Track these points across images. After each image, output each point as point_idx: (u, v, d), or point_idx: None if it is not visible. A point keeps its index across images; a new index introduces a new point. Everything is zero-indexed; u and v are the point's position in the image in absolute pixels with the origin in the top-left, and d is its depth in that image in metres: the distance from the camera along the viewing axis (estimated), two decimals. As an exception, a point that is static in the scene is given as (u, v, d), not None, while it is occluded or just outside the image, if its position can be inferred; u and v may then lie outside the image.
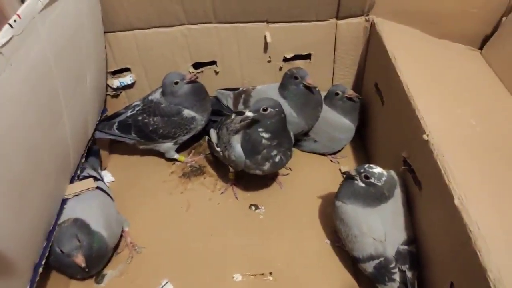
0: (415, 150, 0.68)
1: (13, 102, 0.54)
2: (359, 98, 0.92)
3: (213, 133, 0.91)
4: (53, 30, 0.64)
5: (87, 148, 0.85)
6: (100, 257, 0.73)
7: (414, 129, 0.66)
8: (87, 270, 0.69)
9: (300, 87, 0.86)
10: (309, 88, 0.86)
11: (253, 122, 0.76)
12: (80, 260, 0.67)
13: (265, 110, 0.74)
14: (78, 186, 0.77)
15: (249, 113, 0.75)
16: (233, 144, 0.81)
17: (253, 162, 0.80)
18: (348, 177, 0.73)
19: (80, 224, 0.70)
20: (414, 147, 0.68)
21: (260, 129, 0.76)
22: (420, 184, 0.66)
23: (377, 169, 0.70)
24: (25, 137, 0.58)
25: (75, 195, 0.75)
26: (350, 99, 0.91)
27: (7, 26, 0.52)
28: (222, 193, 0.91)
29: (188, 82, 0.89)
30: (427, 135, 0.62)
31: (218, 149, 0.86)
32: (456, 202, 0.52)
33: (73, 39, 0.71)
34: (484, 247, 0.47)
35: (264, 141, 0.77)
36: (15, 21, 0.53)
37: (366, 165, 0.71)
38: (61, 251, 0.67)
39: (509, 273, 0.45)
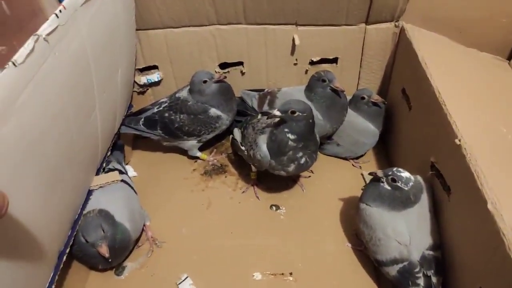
0: (445, 155, 0.68)
1: (55, 91, 0.55)
2: (384, 103, 0.92)
3: (237, 132, 0.91)
4: (92, 25, 0.65)
5: (113, 141, 0.86)
6: (122, 249, 0.74)
7: (444, 134, 0.65)
8: (109, 260, 0.70)
9: (327, 90, 0.87)
10: (336, 92, 0.87)
11: (280, 122, 0.77)
12: (104, 250, 0.67)
13: (293, 112, 0.75)
14: (104, 178, 0.78)
15: (277, 112, 0.75)
16: (259, 144, 0.81)
17: (278, 163, 0.80)
18: (374, 179, 0.73)
19: (105, 215, 0.71)
20: (444, 152, 0.68)
21: (286, 130, 0.77)
22: (450, 189, 0.66)
23: (405, 174, 0.70)
24: (64, 129, 0.59)
25: (100, 187, 0.76)
26: (375, 104, 0.90)
27: (53, 15, 0.54)
28: (243, 192, 0.91)
29: (217, 81, 0.90)
30: (459, 140, 0.61)
31: (243, 147, 0.86)
32: (489, 206, 0.52)
33: (109, 35, 0.73)
34: (519, 252, 0.47)
35: (290, 142, 0.77)
36: (60, 11, 0.55)
37: (395, 169, 0.71)
38: (86, 240, 0.68)
39: (545, 279, 0.44)
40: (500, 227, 0.49)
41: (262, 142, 0.81)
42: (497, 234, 0.50)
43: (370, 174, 0.74)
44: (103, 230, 0.69)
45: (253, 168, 0.90)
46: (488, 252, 0.53)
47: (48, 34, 0.52)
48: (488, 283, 0.54)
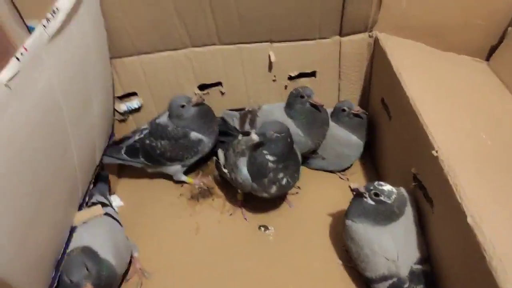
0: (424, 167, 0.67)
1: (20, 135, 0.54)
2: (366, 114, 0.91)
3: (221, 153, 0.90)
4: (59, 60, 0.65)
5: (96, 174, 0.85)
6: (109, 285, 0.72)
7: (422, 144, 0.65)
8: None
9: (306, 106, 0.86)
10: (316, 107, 0.86)
11: (258, 145, 0.76)
12: None
13: (270, 134, 0.74)
14: (86, 213, 0.77)
15: (254, 136, 0.74)
16: (239, 167, 0.80)
17: (259, 185, 0.79)
18: (357, 195, 0.72)
19: (89, 252, 0.69)
20: (423, 163, 0.67)
21: (265, 152, 0.76)
22: (432, 201, 0.65)
23: (387, 187, 0.69)
24: (32, 169, 0.58)
25: (83, 223, 0.75)
26: (357, 115, 0.90)
27: (14, 59, 0.53)
28: (231, 214, 0.90)
29: (195, 105, 0.89)
30: (436, 151, 0.61)
31: (225, 170, 0.86)
32: (469, 220, 0.51)
33: (79, 67, 0.72)
34: (500, 267, 0.46)
35: (270, 164, 0.76)
36: (22, 54, 0.54)
37: (376, 182, 0.70)
38: (70, 280, 0.67)
39: (528, 294, 0.43)
40: (480, 241, 0.49)
41: (243, 165, 0.80)
42: (478, 248, 0.49)
43: (352, 191, 0.73)
44: (87, 269, 0.67)
45: (239, 190, 0.89)
46: (472, 266, 0.52)
47: (9, 80, 0.51)
48: (475, 299, 0.53)
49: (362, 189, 0.71)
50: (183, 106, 0.88)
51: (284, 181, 0.78)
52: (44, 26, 0.61)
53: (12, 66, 0.52)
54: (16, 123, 0.52)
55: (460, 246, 0.55)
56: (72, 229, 0.74)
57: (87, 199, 0.81)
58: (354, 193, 0.73)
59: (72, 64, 0.70)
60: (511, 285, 0.44)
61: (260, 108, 0.96)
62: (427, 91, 0.74)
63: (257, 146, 0.76)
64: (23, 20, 0.84)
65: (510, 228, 0.51)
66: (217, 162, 0.90)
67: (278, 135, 0.74)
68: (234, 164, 0.82)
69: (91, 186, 0.83)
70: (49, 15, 0.63)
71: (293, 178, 0.80)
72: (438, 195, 0.63)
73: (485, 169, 0.60)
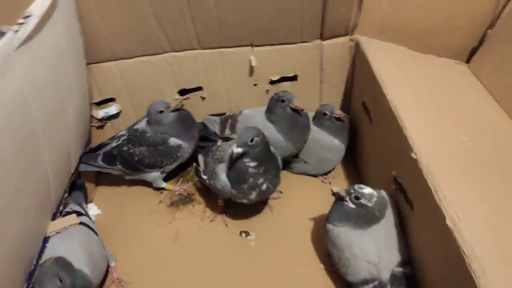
0: (404, 169, 0.67)
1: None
2: (348, 118, 0.91)
3: (200, 159, 0.89)
4: (30, 67, 0.62)
5: (71, 182, 0.83)
6: None
7: (402, 147, 0.64)
8: None
9: (287, 110, 0.85)
10: (297, 111, 0.85)
11: (241, 155, 0.74)
12: None
13: (252, 141, 0.73)
14: (61, 222, 0.74)
15: (238, 149, 0.72)
16: (218, 173, 0.79)
17: (239, 191, 0.78)
18: (338, 199, 0.71)
19: (62, 263, 0.67)
20: (403, 166, 0.67)
21: (246, 160, 0.75)
22: (412, 204, 0.64)
23: (367, 190, 0.69)
24: (4, 178, 0.56)
25: (57, 233, 0.73)
26: (338, 119, 0.89)
27: None
28: (211, 221, 0.88)
29: (174, 110, 0.88)
30: (416, 154, 0.60)
31: (205, 176, 0.84)
32: (448, 222, 0.50)
33: (52, 74, 0.70)
34: (479, 269, 0.45)
35: (250, 169, 0.75)
36: None
37: (356, 186, 0.69)
38: None
39: (507, 296, 0.43)
40: (459, 244, 0.48)
41: (221, 171, 0.78)
42: (458, 251, 0.48)
43: (333, 195, 0.72)
44: (60, 280, 0.65)
45: (220, 196, 0.87)
46: (452, 268, 0.51)
47: None
48: (456, 302, 0.52)
49: (342, 193, 0.70)
50: (161, 112, 0.87)
51: (264, 187, 0.77)
52: (15, 31, 0.59)
53: None
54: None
55: (440, 248, 0.55)
56: (46, 239, 0.71)
57: (61, 208, 0.78)
58: (335, 197, 0.72)
59: (44, 69, 0.68)
60: (491, 286, 0.44)
61: (241, 113, 0.94)
62: (408, 94, 0.74)
63: (240, 157, 0.74)
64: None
65: (489, 230, 0.51)
66: (197, 168, 0.89)
67: (258, 138, 0.73)
68: (212, 170, 0.80)
69: (66, 194, 0.81)
70: (21, 20, 0.61)
71: (273, 183, 0.79)
72: (418, 197, 0.62)
73: (465, 171, 0.60)
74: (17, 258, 0.62)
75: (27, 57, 0.62)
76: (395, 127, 0.67)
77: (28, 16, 0.62)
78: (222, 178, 0.78)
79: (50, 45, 0.69)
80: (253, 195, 0.78)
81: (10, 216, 0.58)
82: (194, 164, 0.90)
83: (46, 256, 0.69)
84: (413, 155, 0.60)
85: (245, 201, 0.80)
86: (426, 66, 0.88)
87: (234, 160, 0.75)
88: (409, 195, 0.65)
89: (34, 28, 0.62)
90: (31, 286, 0.65)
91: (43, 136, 0.66)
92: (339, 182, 0.95)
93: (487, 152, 0.64)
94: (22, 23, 0.61)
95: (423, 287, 0.64)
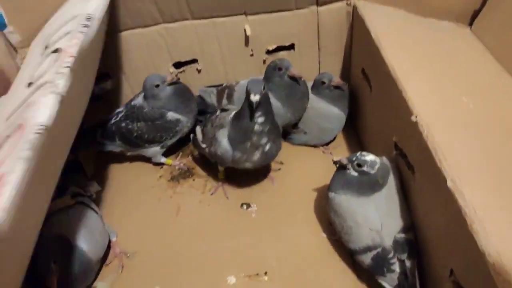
0: (405, 134, 0.65)
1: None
2: (346, 85, 0.89)
3: (198, 130, 0.88)
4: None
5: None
6: (83, 273, 0.70)
7: (402, 112, 0.63)
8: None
9: (285, 79, 0.83)
10: (294, 79, 0.83)
11: (258, 105, 0.71)
12: (53, 283, 0.63)
13: (264, 88, 0.71)
14: (58, 203, 0.74)
15: (256, 97, 0.69)
16: (218, 139, 0.78)
17: (242, 152, 0.76)
18: (340, 167, 0.70)
19: (60, 240, 0.67)
20: (404, 131, 0.65)
21: (257, 113, 0.72)
22: (413, 168, 0.63)
23: (370, 157, 0.67)
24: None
25: (56, 211, 0.72)
26: (337, 87, 0.87)
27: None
28: (212, 194, 0.88)
29: (170, 84, 0.86)
30: (416, 117, 0.59)
31: (203, 145, 0.83)
32: (449, 184, 0.49)
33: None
34: (482, 230, 0.44)
35: (256, 126, 0.73)
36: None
37: (358, 153, 0.68)
38: (41, 268, 0.64)
39: (510, 256, 0.42)
40: (461, 205, 0.47)
41: (222, 137, 0.77)
42: (459, 213, 0.47)
43: (334, 163, 0.71)
44: (57, 257, 0.65)
45: (220, 168, 0.87)
46: (455, 232, 0.51)
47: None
48: (458, 265, 0.52)
49: (344, 161, 0.69)
50: (157, 86, 0.85)
51: (267, 147, 0.76)
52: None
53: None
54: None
55: (442, 212, 0.54)
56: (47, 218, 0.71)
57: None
58: (337, 165, 0.71)
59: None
60: (493, 248, 0.43)
61: (238, 83, 0.93)
62: (407, 58, 0.71)
63: (257, 106, 0.71)
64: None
65: (491, 191, 0.50)
66: (194, 138, 0.88)
67: (266, 89, 0.72)
68: (213, 137, 0.79)
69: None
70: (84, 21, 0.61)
71: (277, 144, 0.78)
72: (419, 161, 0.61)
73: (466, 133, 0.58)
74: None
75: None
76: (395, 91, 0.65)
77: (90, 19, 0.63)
78: (223, 143, 0.77)
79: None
80: (257, 156, 0.76)
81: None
82: (192, 135, 0.89)
83: (44, 234, 0.69)
84: (413, 118, 0.59)
85: (248, 164, 0.78)
86: (427, 29, 0.85)
87: (255, 108, 0.71)
88: (410, 160, 0.64)
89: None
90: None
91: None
92: (340, 153, 0.94)
93: (489, 114, 0.62)
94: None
95: (426, 252, 0.63)
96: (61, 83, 0.51)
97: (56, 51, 0.58)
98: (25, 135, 0.44)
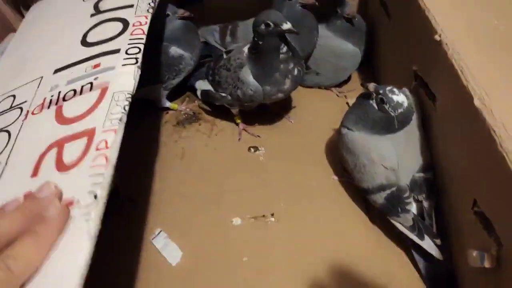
0: (427, 59, 0.59)
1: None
2: (357, 19, 0.80)
3: (202, 83, 0.83)
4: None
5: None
6: None
7: (425, 33, 0.56)
8: None
9: (296, 8, 0.77)
10: (306, 7, 0.77)
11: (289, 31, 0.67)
12: None
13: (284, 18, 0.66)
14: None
15: (288, 25, 0.65)
16: (244, 78, 0.73)
17: (272, 85, 0.72)
18: (363, 94, 0.64)
19: None
20: (426, 55, 0.59)
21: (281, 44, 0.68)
22: (434, 97, 0.57)
23: (399, 97, 0.59)
24: None
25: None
26: (348, 20, 0.80)
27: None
28: (239, 139, 0.83)
29: (181, 18, 0.80)
30: (440, 35, 0.52)
31: (223, 94, 0.78)
32: (476, 102, 0.43)
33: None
34: (513, 148, 0.39)
35: (281, 55, 0.69)
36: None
37: (389, 88, 0.60)
38: None
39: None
40: (489, 124, 0.41)
41: (247, 75, 0.72)
42: (488, 132, 0.41)
43: (361, 85, 0.65)
44: None
45: (235, 112, 0.82)
46: (480, 157, 0.45)
47: None
48: (482, 193, 0.46)
49: (372, 87, 0.62)
50: (167, 15, 0.79)
51: (295, 71, 0.71)
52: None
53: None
54: None
55: (467, 139, 0.48)
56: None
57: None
58: (364, 87, 0.64)
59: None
60: (525, 168, 0.37)
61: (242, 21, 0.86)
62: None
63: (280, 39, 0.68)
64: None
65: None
66: (204, 92, 0.82)
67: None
68: (237, 79, 0.74)
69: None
70: None
71: (301, 66, 0.73)
72: (441, 87, 0.55)
73: (495, 52, 0.51)
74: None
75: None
76: (416, 12, 0.58)
77: None
78: (251, 81, 0.72)
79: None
80: (288, 84, 0.72)
81: None
82: (200, 91, 0.84)
83: None
84: (436, 37, 0.52)
85: (280, 95, 0.74)
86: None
87: (287, 33, 0.68)
88: (432, 88, 0.58)
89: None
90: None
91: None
92: (355, 96, 0.87)
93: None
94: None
95: (445, 187, 0.58)
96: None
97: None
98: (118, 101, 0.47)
